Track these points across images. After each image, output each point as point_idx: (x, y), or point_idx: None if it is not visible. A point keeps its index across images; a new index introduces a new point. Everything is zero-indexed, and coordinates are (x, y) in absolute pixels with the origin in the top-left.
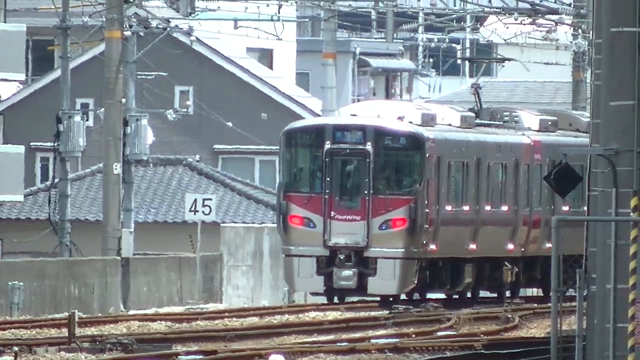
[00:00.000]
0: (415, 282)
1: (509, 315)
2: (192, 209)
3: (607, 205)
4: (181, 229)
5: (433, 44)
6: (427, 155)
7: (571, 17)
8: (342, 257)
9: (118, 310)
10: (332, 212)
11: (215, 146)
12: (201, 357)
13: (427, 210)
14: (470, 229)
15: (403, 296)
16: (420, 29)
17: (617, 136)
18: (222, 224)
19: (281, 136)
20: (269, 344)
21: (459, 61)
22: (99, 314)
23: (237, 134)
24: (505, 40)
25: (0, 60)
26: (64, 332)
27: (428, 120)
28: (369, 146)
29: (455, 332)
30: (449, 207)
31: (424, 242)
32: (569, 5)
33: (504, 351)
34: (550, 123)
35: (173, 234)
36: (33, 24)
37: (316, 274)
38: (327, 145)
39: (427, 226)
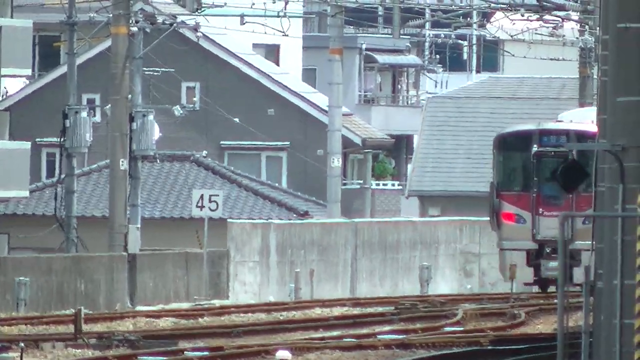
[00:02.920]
0: None
1: (516, 312)
2: (199, 204)
3: (614, 201)
4: (188, 225)
5: (440, 40)
6: None
7: (578, 13)
8: (549, 250)
9: (124, 307)
10: (539, 209)
11: (221, 142)
12: (207, 353)
13: None
14: None
15: None
16: (427, 25)
17: (624, 132)
18: (229, 220)
19: (494, 141)
20: (276, 339)
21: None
22: (106, 310)
23: (243, 129)
24: (511, 36)
25: (6, 56)
26: (71, 328)
27: None
28: None
29: (462, 328)
30: None
31: None
32: (576, 1)
33: (511, 347)
34: None
35: (180, 230)
36: (39, 19)
37: (526, 266)
38: (534, 149)
39: None
